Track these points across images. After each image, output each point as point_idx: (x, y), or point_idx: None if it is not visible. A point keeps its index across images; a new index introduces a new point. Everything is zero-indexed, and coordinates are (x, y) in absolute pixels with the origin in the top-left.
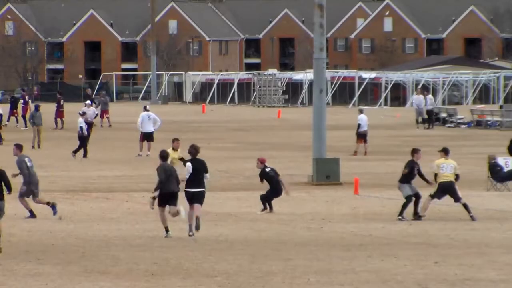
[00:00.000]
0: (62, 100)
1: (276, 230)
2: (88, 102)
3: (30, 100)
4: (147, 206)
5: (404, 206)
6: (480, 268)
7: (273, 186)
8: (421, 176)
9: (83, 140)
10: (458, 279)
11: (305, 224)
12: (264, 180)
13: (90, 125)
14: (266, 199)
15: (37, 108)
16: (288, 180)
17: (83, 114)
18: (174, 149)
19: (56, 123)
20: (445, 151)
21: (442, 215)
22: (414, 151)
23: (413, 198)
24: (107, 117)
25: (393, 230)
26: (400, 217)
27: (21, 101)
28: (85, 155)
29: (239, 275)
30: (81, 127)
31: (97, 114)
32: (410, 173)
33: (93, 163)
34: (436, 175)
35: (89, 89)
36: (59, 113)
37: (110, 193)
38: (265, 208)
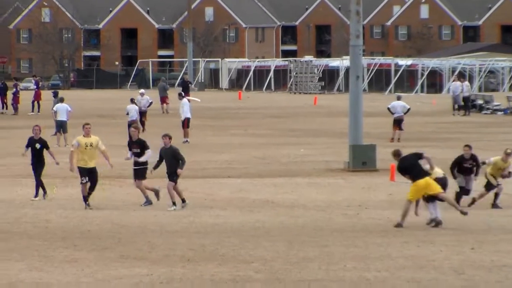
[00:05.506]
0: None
1: (313, 217)
2: (142, 90)
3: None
4: (184, 193)
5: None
6: None
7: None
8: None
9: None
10: (495, 266)
11: (342, 210)
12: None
13: (143, 114)
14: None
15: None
16: (324, 167)
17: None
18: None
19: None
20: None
21: (478, 201)
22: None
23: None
24: (167, 104)
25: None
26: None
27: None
28: None
29: (275, 261)
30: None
31: (151, 103)
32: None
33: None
34: None
35: (187, 75)
36: (14, 98)
37: (146, 179)
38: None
